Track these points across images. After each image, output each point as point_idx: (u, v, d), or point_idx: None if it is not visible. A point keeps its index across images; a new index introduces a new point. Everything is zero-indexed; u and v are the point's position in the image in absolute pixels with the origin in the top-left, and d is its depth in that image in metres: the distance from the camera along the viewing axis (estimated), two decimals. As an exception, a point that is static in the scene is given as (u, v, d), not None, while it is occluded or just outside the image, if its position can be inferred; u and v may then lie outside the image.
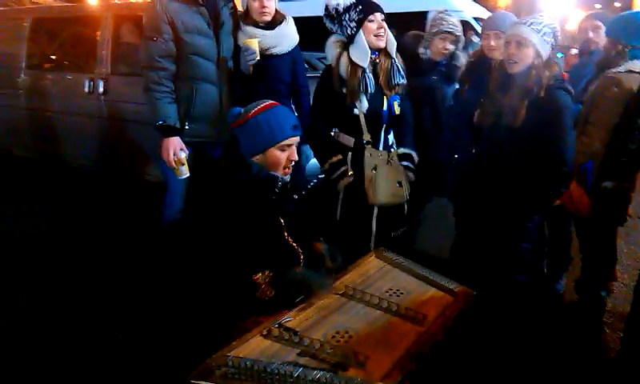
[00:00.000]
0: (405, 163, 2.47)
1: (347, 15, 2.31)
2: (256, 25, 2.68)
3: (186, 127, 2.64)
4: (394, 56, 2.33)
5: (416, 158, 2.48)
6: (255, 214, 1.72)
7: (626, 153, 2.39)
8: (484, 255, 2.22)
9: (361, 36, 2.29)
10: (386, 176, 2.39)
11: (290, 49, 2.77)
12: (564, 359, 2.49)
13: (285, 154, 1.81)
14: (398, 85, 2.34)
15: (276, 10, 2.74)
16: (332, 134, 2.50)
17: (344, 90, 2.35)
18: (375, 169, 2.39)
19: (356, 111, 2.37)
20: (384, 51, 2.34)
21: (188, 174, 2.63)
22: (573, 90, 2.15)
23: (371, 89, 2.31)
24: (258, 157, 1.79)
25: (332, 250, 1.94)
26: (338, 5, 2.33)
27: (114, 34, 4.32)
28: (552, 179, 2.04)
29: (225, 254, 1.65)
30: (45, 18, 4.95)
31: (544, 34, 2.04)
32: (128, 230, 3.90)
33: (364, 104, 2.35)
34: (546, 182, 2.05)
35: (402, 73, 2.34)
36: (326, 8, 2.36)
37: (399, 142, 2.51)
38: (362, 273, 1.85)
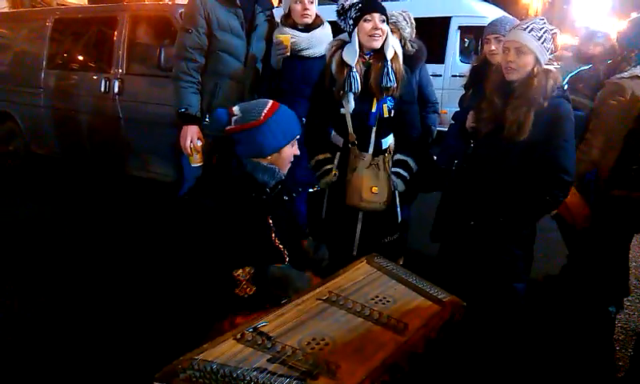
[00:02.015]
0: (396, 170, 2.38)
1: (350, 12, 2.29)
2: (294, 26, 2.77)
3: (206, 120, 2.75)
4: (389, 59, 2.27)
5: (414, 167, 2.39)
6: (243, 211, 1.71)
7: (636, 161, 2.29)
8: (476, 263, 2.14)
9: (354, 34, 2.25)
10: (360, 179, 2.34)
11: (323, 53, 2.76)
12: (564, 377, 2.38)
13: (294, 149, 1.87)
14: (388, 88, 2.27)
15: (316, 14, 2.82)
16: (330, 133, 2.48)
17: (334, 89, 2.32)
18: (354, 170, 2.35)
19: (343, 111, 2.33)
20: (379, 53, 2.29)
21: (201, 163, 2.76)
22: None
23: (356, 89, 2.25)
24: (273, 156, 1.80)
25: (316, 244, 1.94)
26: (345, 1, 2.32)
27: (129, 35, 4.40)
28: (552, 188, 1.95)
29: (207, 246, 1.64)
30: (66, 19, 5.06)
31: (544, 40, 1.94)
32: (133, 226, 3.94)
33: (350, 104, 2.30)
34: (545, 190, 1.96)
35: (393, 77, 2.26)
36: (338, 4, 2.36)
37: (397, 148, 2.44)
38: (351, 278, 1.79)
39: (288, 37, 2.67)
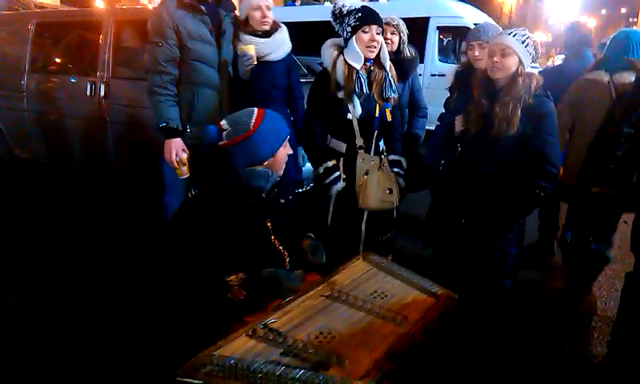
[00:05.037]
0: (395, 170, 2.54)
1: (348, 18, 2.36)
2: (254, 33, 2.78)
3: (187, 130, 2.75)
4: (387, 69, 2.38)
5: (405, 165, 2.54)
6: (238, 219, 1.77)
7: (612, 159, 2.46)
8: (467, 260, 2.27)
9: (353, 42, 2.34)
10: (377, 182, 2.45)
11: (284, 55, 2.87)
12: (547, 363, 2.54)
13: (287, 149, 1.92)
14: (390, 98, 2.39)
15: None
16: (328, 139, 2.55)
17: (339, 95, 2.39)
18: (367, 174, 2.44)
19: (349, 116, 2.41)
20: (378, 62, 2.39)
21: (189, 174, 2.75)
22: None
23: (366, 90, 2.35)
24: (269, 160, 1.85)
25: (315, 245, 2.01)
26: (343, 6, 2.39)
27: (115, 38, 4.41)
28: (540, 179, 2.09)
29: (200, 253, 1.70)
30: (49, 23, 5.03)
31: (527, 44, 2.11)
32: (124, 230, 3.97)
33: (357, 109, 2.39)
34: (533, 182, 2.10)
35: (394, 86, 2.39)
36: (334, 6, 2.42)
37: (389, 149, 2.56)
38: (349, 275, 1.90)
39: (252, 47, 2.68)
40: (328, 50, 2.45)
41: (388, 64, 2.41)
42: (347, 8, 2.38)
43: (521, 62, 2.11)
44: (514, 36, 2.10)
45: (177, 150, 2.69)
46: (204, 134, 1.87)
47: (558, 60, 12.12)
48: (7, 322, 2.69)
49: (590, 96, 2.77)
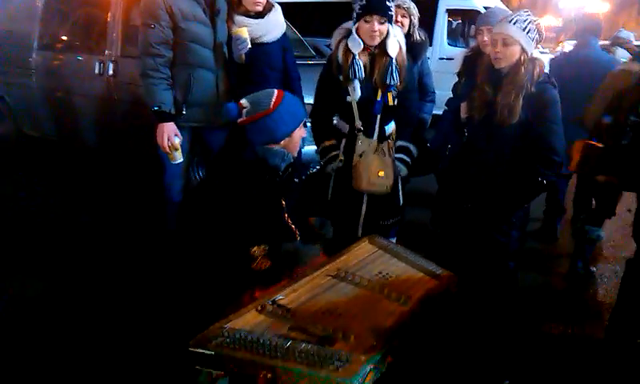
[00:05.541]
0: (399, 155, 2.54)
1: (355, 4, 2.37)
2: (247, 14, 2.75)
3: (183, 112, 2.72)
4: (394, 57, 2.38)
5: (414, 152, 2.55)
6: (258, 193, 1.85)
7: (618, 148, 2.47)
8: (472, 243, 2.31)
9: (354, 29, 2.37)
10: (368, 164, 2.47)
11: (279, 36, 2.85)
12: (546, 345, 2.60)
13: (302, 131, 2.01)
14: (391, 85, 2.40)
15: None
16: (334, 119, 2.59)
17: (340, 77, 2.44)
18: (362, 156, 2.48)
19: (349, 98, 2.45)
20: (382, 48, 2.40)
21: (181, 160, 2.71)
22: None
23: (360, 75, 2.37)
24: (285, 140, 1.94)
25: (321, 221, 2.11)
26: None
27: (124, 16, 4.38)
28: (542, 167, 2.12)
29: (225, 226, 1.78)
30: (58, -1, 5.02)
31: (529, 30, 2.09)
32: (132, 208, 4.02)
33: (357, 92, 2.42)
34: (536, 170, 2.12)
35: (397, 75, 2.38)
36: None
37: (399, 135, 2.58)
38: (355, 256, 1.96)
39: (245, 29, 2.66)
40: (336, 33, 2.49)
41: (395, 50, 2.40)
42: None
43: (523, 50, 2.09)
44: (514, 23, 2.08)
45: (169, 134, 2.65)
46: (224, 111, 1.93)
47: (568, 46, 11.99)
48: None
49: (620, 86, 2.81)
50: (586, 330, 2.78)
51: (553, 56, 4.07)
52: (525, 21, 2.10)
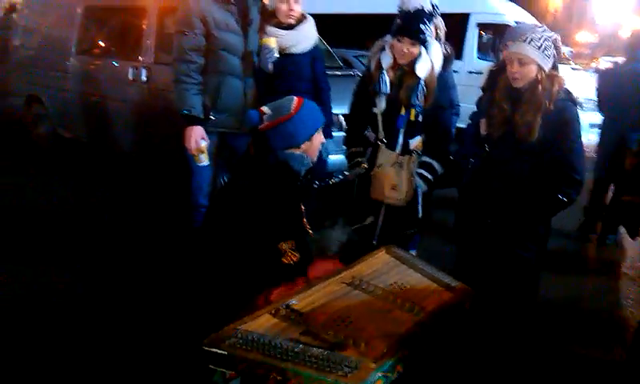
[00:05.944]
0: (420, 171, 2.56)
1: (395, 20, 2.44)
2: (279, 25, 2.83)
3: (211, 117, 2.82)
4: (423, 78, 2.43)
5: (438, 170, 2.57)
6: (283, 194, 1.91)
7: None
8: (493, 258, 2.28)
9: (387, 45, 2.48)
10: (383, 176, 2.54)
11: (309, 48, 2.91)
12: (566, 365, 2.54)
13: (320, 137, 2.04)
14: (414, 105, 2.46)
15: None
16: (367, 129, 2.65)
17: (369, 88, 2.53)
18: (379, 167, 2.54)
19: (375, 110, 2.53)
20: (410, 68, 2.45)
21: (207, 162, 2.82)
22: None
23: (385, 90, 2.45)
24: (306, 144, 1.97)
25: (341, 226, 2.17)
26: (403, 4, 2.42)
27: (158, 24, 4.53)
28: (564, 186, 2.09)
29: (254, 224, 1.82)
30: (96, 6, 5.23)
31: (544, 48, 2.05)
32: (158, 210, 4.13)
33: (382, 104, 2.50)
34: (557, 189, 2.10)
35: (422, 97, 2.44)
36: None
37: (425, 150, 2.60)
38: (371, 265, 1.96)
39: (274, 39, 2.73)
40: (375, 45, 2.57)
41: (425, 72, 2.44)
42: (405, 6, 2.40)
43: (540, 68, 2.06)
44: (529, 42, 2.04)
45: (196, 137, 2.75)
46: (246, 118, 1.97)
47: (604, 63, 11.64)
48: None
49: None
50: (609, 350, 2.71)
51: (588, 72, 4.31)
52: (540, 38, 2.05)
